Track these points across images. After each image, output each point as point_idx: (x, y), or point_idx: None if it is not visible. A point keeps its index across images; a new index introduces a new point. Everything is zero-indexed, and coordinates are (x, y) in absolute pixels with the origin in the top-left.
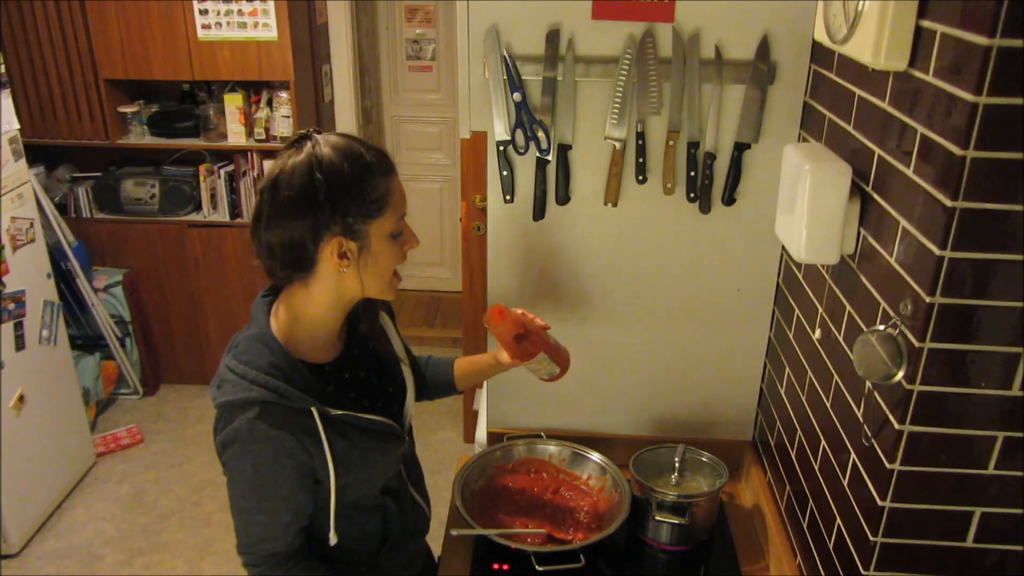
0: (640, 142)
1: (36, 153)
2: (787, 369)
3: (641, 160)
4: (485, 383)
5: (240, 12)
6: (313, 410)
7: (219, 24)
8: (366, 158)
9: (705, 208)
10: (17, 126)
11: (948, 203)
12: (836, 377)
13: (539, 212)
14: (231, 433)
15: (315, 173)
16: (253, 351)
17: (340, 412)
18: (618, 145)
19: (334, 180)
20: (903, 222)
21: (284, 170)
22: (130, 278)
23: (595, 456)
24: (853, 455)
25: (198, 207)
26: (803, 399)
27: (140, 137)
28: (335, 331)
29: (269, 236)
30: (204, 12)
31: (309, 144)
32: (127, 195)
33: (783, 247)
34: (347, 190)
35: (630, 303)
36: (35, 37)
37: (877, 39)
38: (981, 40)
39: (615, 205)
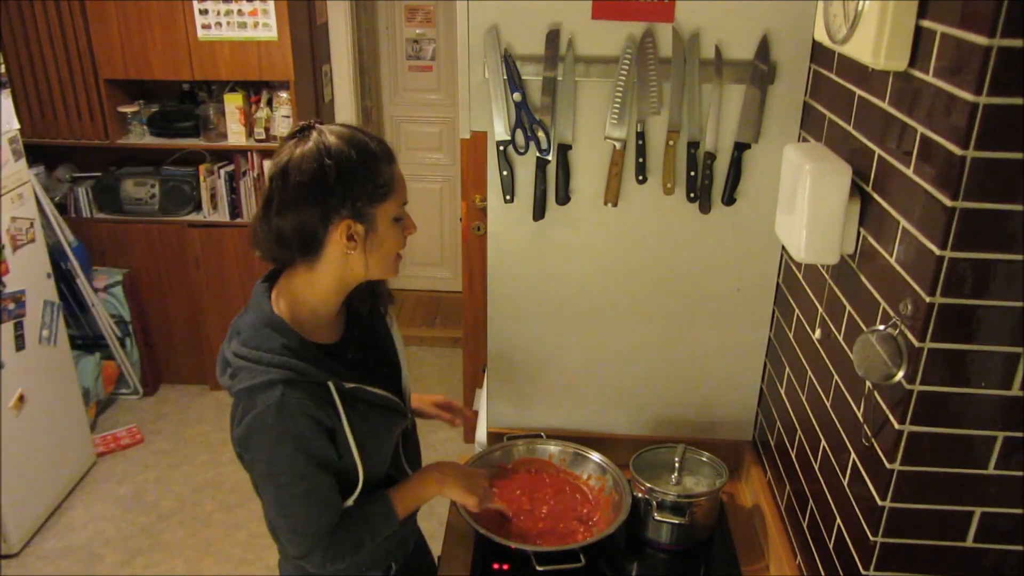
0: (640, 142)
1: (36, 153)
2: (787, 369)
3: (641, 160)
4: (485, 383)
5: (240, 12)
6: (330, 384)
7: (219, 24)
8: (371, 146)
9: (705, 208)
10: (17, 126)
11: (948, 203)
12: (836, 377)
13: (539, 212)
14: (257, 419)
15: (324, 159)
16: (263, 335)
17: (352, 385)
18: (618, 145)
19: (344, 166)
20: (903, 222)
21: (293, 158)
22: (130, 278)
23: (595, 456)
24: (853, 455)
25: (198, 207)
26: (803, 399)
27: (140, 137)
28: (336, 312)
29: (280, 222)
30: (204, 12)
31: (315, 133)
32: (127, 195)
33: (783, 247)
34: (356, 175)
35: (630, 303)
36: (35, 37)
37: (877, 39)
38: (981, 40)
39: (615, 205)
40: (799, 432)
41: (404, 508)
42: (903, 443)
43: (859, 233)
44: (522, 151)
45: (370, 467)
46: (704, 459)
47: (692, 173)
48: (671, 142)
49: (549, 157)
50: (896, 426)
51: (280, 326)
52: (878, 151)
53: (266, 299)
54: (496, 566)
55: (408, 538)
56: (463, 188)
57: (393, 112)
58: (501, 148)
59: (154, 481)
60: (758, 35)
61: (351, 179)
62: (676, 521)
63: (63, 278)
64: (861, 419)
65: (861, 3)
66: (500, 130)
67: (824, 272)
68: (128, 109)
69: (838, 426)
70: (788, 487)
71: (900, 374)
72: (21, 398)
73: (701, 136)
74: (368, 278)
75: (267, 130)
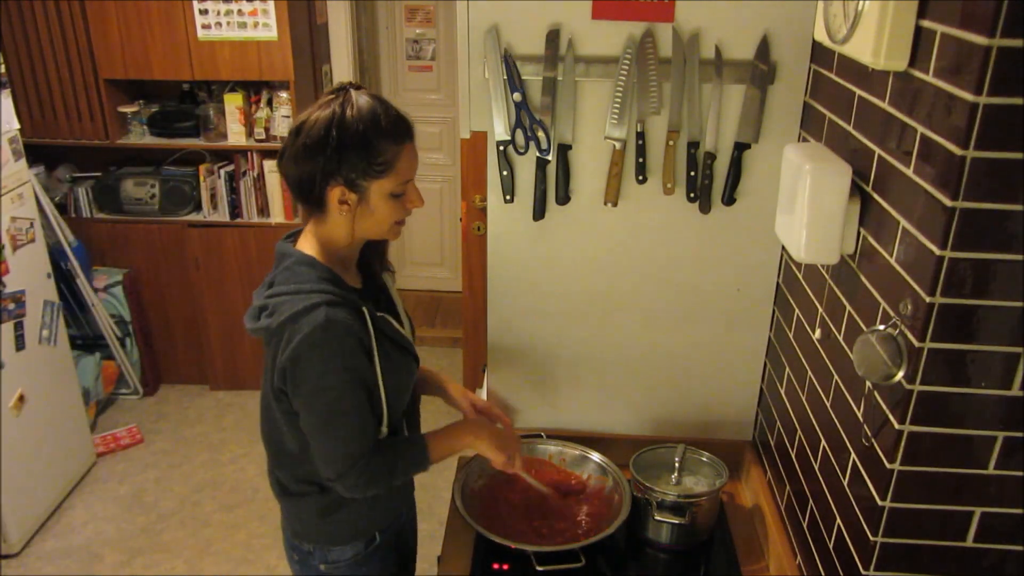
0: (640, 142)
1: (36, 153)
2: (787, 369)
3: (641, 160)
4: (485, 383)
5: (240, 12)
6: (364, 310)
7: (219, 24)
8: (382, 124)
9: (705, 208)
10: (17, 126)
11: (948, 203)
12: (836, 377)
13: (539, 212)
14: (305, 340)
15: (332, 130)
16: (299, 272)
17: (381, 315)
18: (618, 145)
19: (347, 140)
20: (903, 222)
21: (309, 120)
22: (130, 278)
23: (595, 456)
24: (853, 455)
25: (198, 207)
26: (803, 399)
27: (140, 137)
28: (354, 260)
29: (286, 170)
30: (204, 12)
31: (340, 101)
32: (127, 195)
33: (783, 247)
34: (356, 150)
35: (630, 303)
36: (35, 37)
37: (877, 39)
38: (981, 40)
39: (615, 205)
40: (799, 432)
41: (436, 452)
42: (903, 443)
43: (859, 233)
44: (522, 151)
45: (392, 402)
46: (704, 459)
47: (692, 173)
48: (671, 142)
49: (549, 157)
50: (896, 426)
51: (315, 263)
52: (878, 151)
53: (294, 248)
54: (496, 566)
55: (398, 509)
56: (463, 188)
57: None
58: (501, 148)
59: (154, 481)
60: (758, 35)
61: (349, 154)
62: (676, 521)
63: (63, 278)
64: (861, 419)
65: (861, 3)
66: (500, 130)
67: (824, 272)
68: (128, 109)
69: (838, 426)
70: (788, 487)
71: (900, 374)
72: (21, 398)
73: (701, 136)
74: (358, 238)
75: (267, 130)
